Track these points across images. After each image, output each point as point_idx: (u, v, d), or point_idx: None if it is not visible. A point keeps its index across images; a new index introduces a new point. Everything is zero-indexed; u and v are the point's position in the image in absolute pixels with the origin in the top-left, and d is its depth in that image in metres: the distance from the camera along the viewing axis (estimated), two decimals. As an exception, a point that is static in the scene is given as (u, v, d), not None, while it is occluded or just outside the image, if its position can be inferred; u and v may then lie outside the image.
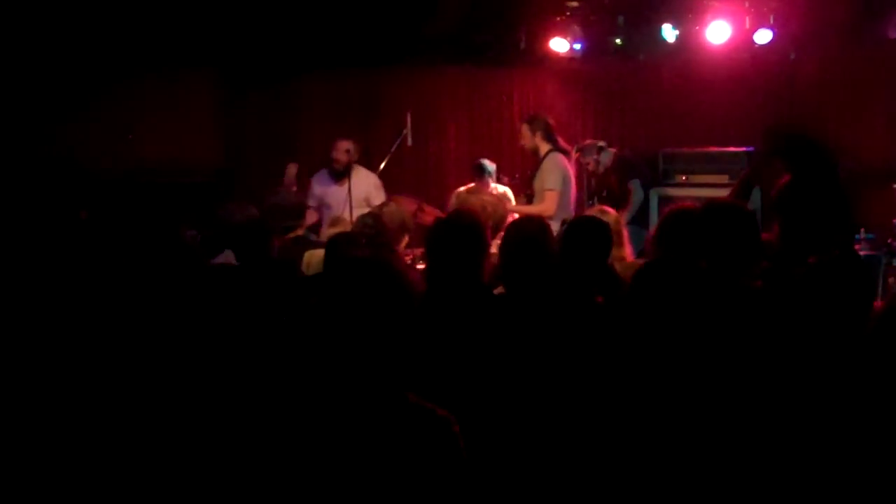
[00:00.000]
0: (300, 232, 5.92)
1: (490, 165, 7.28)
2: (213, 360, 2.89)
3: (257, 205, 6.01)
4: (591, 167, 6.90)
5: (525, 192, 6.74)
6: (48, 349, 3.01)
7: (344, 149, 6.78)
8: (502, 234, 4.21)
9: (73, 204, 7.16)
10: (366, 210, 6.20)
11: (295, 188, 6.91)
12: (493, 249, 3.91)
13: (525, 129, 6.60)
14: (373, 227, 4.53)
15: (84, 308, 3.33)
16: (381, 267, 2.16)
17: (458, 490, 2.03)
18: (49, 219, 6.69)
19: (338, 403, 2.04)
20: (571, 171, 6.50)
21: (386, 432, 2.01)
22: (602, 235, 3.85)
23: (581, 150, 6.96)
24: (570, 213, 6.31)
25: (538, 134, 6.52)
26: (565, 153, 6.51)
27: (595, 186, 6.92)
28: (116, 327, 3.13)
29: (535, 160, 6.65)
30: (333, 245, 4.04)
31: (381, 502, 1.98)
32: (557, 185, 6.31)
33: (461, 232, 3.44)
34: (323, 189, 6.91)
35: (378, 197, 6.72)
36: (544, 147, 6.49)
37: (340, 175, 6.79)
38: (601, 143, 7.22)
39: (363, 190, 6.79)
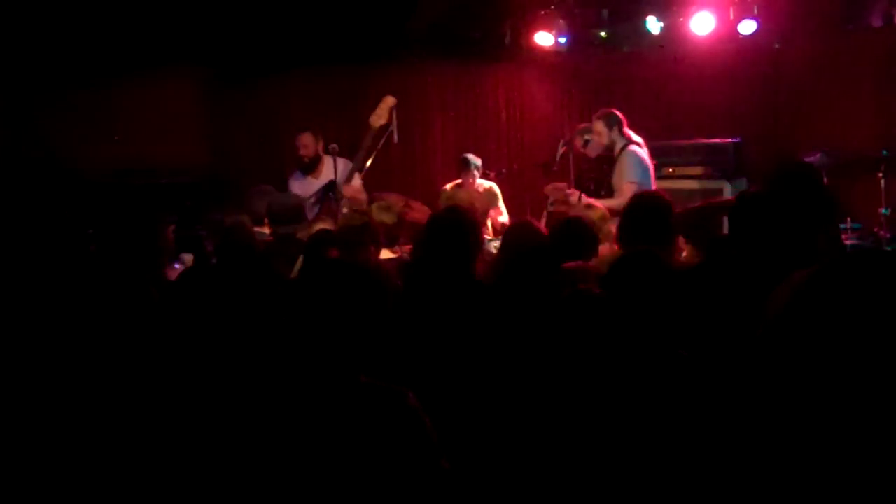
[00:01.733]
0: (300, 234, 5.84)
1: (475, 160, 7.25)
2: (182, 357, 2.89)
3: (245, 204, 5.98)
4: (577, 148, 6.66)
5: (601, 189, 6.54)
6: (25, 349, 2.99)
7: (303, 143, 6.77)
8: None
9: (60, 207, 7.11)
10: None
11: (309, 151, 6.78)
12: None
13: (601, 125, 6.30)
14: (359, 220, 4.50)
15: (63, 308, 3.31)
16: (349, 269, 2.27)
17: (425, 460, 2.07)
18: (36, 222, 6.65)
19: (294, 390, 2.14)
20: (651, 164, 6.31)
21: (343, 413, 2.10)
22: (586, 240, 3.84)
23: (579, 133, 6.75)
24: None
25: (615, 129, 6.29)
26: (639, 145, 6.33)
27: (583, 174, 6.79)
28: (94, 327, 3.12)
29: (608, 157, 6.33)
30: (312, 244, 4.01)
31: (348, 481, 2.04)
32: (637, 177, 6.08)
33: (459, 229, 3.44)
34: (299, 185, 6.86)
35: (348, 180, 6.64)
36: (620, 142, 6.25)
37: (309, 168, 6.78)
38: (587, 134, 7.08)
39: (337, 177, 6.73)
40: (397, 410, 2.13)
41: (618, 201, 6.06)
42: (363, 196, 6.59)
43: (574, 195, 6.18)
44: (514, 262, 3.58)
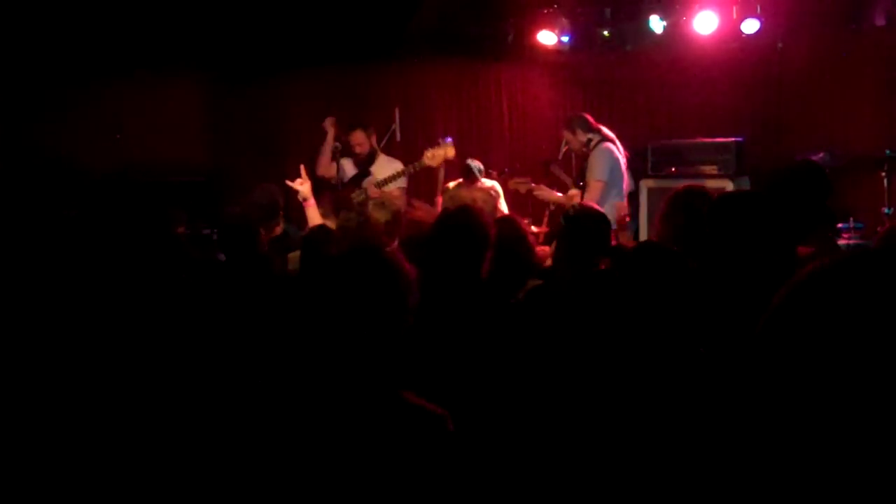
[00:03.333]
0: (278, 230, 5.86)
1: (477, 164, 7.24)
2: (203, 355, 2.88)
3: (241, 202, 6.00)
4: (572, 145, 6.68)
5: (578, 184, 6.62)
6: (36, 347, 3.00)
7: (357, 142, 6.68)
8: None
9: (61, 203, 7.13)
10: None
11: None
12: None
13: (568, 134, 6.47)
14: (356, 221, 4.50)
15: (72, 305, 3.32)
16: (379, 259, 2.08)
17: (451, 487, 2.01)
18: (37, 218, 6.66)
19: (331, 401, 2.00)
20: (622, 159, 6.37)
21: (380, 430, 1.98)
22: (599, 229, 3.80)
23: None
24: (623, 200, 6.19)
25: (578, 131, 6.39)
26: (611, 141, 6.37)
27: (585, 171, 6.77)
28: (105, 324, 3.12)
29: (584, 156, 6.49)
30: (309, 241, 4.01)
31: (374, 499, 1.97)
32: (603, 175, 6.17)
33: (467, 230, 3.42)
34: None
35: (397, 184, 6.58)
36: (592, 139, 6.36)
37: (364, 165, 6.71)
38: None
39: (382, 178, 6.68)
40: (437, 438, 1.99)
41: (588, 198, 6.15)
42: (399, 202, 6.51)
43: (539, 188, 6.49)
44: (498, 257, 3.56)
